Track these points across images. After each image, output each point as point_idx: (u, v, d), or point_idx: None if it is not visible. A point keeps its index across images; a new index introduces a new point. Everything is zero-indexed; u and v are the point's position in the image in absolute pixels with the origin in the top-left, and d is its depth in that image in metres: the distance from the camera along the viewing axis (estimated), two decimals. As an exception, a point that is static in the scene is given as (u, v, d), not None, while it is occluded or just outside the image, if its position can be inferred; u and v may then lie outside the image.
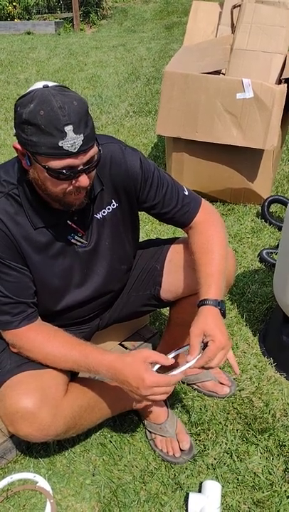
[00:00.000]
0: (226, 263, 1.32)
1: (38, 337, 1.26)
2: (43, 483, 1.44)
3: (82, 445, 1.55)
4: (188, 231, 1.41)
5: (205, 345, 1.20)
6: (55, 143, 1.02)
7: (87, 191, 1.17)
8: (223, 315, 1.24)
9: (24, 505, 1.39)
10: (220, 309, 1.23)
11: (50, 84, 1.08)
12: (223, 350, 1.19)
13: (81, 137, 1.04)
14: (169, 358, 1.21)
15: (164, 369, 1.23)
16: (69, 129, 1.02)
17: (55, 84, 1.10)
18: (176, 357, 1.28)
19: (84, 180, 1.10)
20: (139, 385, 1.16)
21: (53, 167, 1.06)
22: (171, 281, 1.46)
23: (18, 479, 1.45)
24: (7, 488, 1.43)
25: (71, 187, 1.11)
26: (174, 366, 1.24)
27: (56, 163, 1.05)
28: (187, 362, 1.19)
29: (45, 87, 1.07)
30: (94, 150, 1.10)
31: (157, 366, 1.21)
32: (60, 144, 1.02)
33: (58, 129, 1.01)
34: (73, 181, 1.10)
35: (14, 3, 8.17)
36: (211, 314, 1.21)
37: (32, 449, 1.52)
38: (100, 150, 1.12)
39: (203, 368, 1.19)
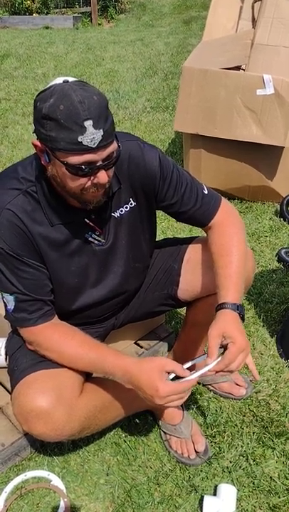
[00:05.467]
0: (245, 265, 1.29)
1: (55, 335, 1.25)
2: (56, 481, 1.43)
3: (96, 444, 1.54)
4: (208, 231, 1.38)
5: (224, 349, 1.17)
6: (74, 138, 1.01)
7: (105, 189, 1.15)
8: (242, 319, 1.21)
9: (38, 504, 1.39)
10: (239, 313, 1.20)
11: (70, 79, 1.07)
12: (243, 352, 1.16)
13: (100, 132, 1.02)
14: (186, 370, 1.17)
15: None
16: (89, 123, 1.00)
17: (75, 79, 1.08)
18: (192, 366, 1.24)
19: (103, 176, 1.08)
20: (153, 394, 1.13)
21: (71, 163, 1.04)
22: (189, 281, 1.44)
23: (32, 477, 1.45)
24: (21, 485, 1.43)
25: (89, 183, 1.09)
26: (191, 369, 1.21)
27: (75, 159, 1.04)
28: (206, 365, 1.15)
29: (66, 82, 1.05)
30: (113, 146, 1.08)
31: (173, 374, 1.18)
32: (79, 140, 1.01)
33: (78, 123, 1.00)
34: (92, 178, 1.08)
35: (33, -2, 8.19)
36: (230, 318, 1.18)
37: (46, 447, 1.52)
38: (119, 146, 1.10)
39: (222, 371, 1.17)
